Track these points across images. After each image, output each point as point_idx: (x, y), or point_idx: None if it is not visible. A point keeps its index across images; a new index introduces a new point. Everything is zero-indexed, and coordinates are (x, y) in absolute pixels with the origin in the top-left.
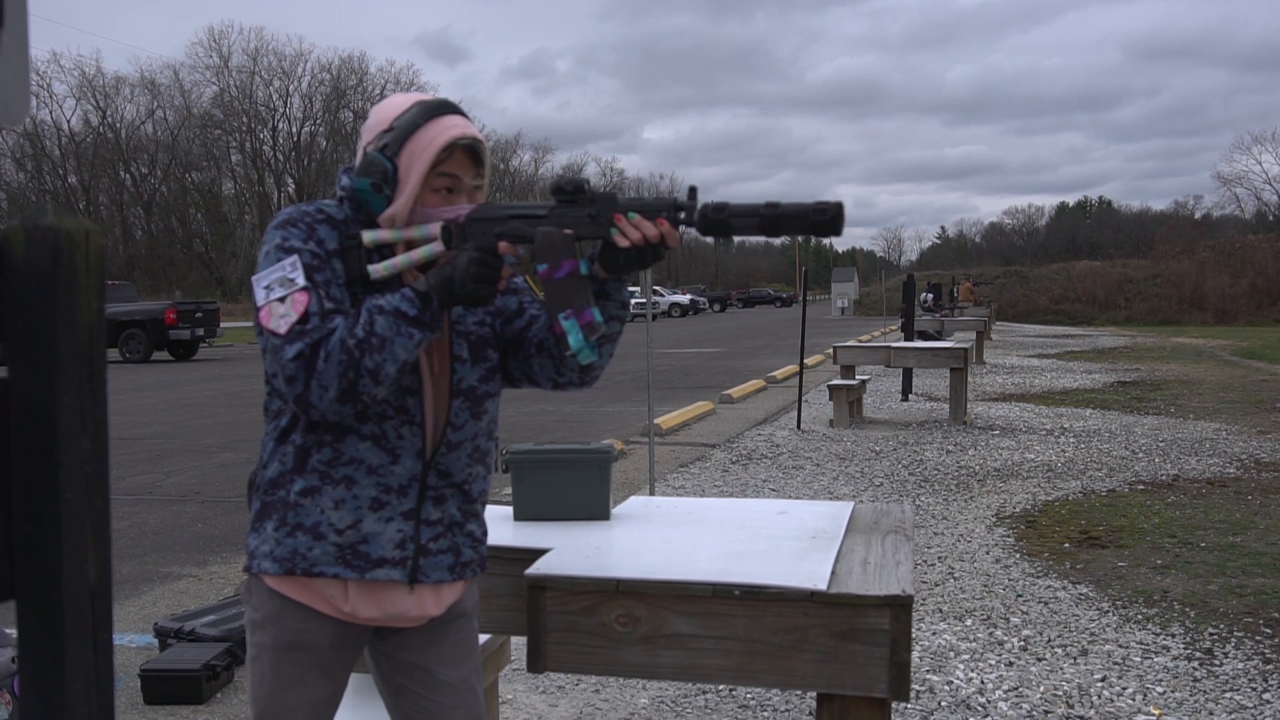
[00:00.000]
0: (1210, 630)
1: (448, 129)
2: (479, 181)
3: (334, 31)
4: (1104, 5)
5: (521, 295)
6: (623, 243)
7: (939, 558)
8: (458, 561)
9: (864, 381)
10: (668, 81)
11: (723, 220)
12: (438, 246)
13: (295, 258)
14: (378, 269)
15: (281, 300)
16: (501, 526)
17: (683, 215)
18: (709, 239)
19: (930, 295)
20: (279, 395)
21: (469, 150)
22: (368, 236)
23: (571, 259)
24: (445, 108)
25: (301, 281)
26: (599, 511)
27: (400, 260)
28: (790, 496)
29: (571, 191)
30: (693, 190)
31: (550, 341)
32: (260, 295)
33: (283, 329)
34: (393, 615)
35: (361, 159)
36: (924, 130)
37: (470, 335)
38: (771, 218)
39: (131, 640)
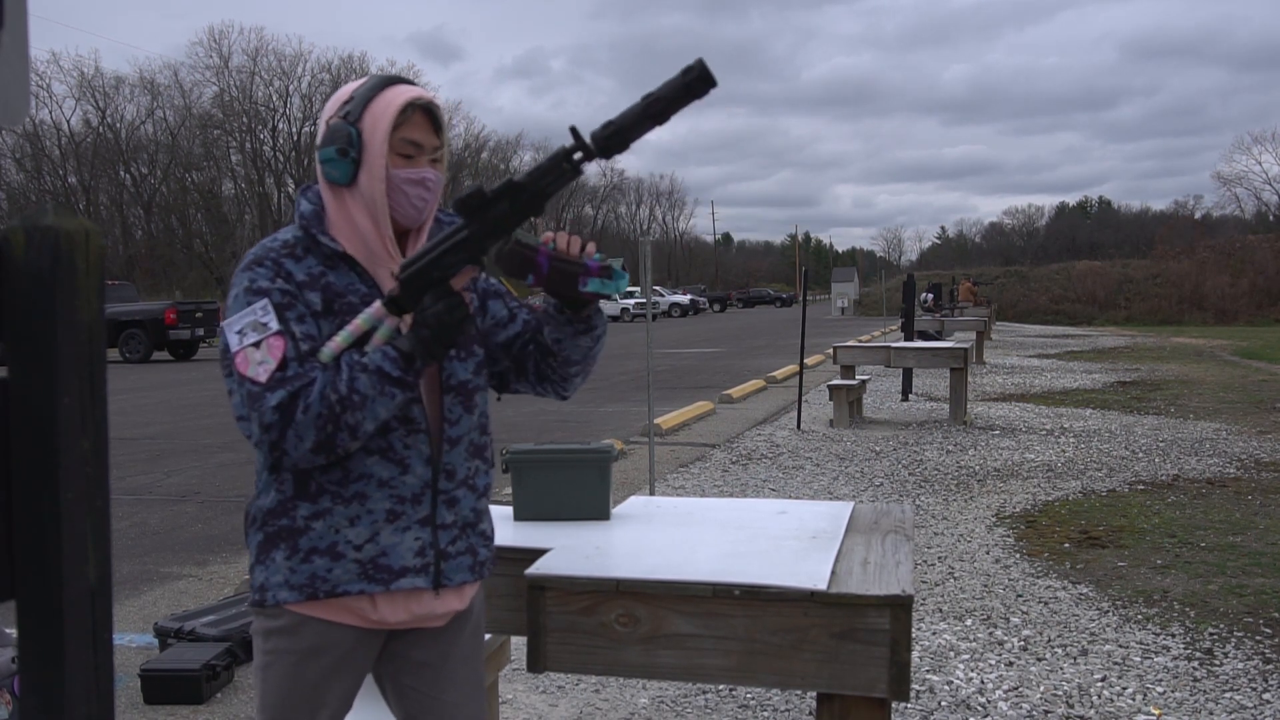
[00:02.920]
0: (1210, 630)
1: (406, 92)
2: (438, 149)
3: (330, 30)
4: (1101, 4)
5: (506, 299)
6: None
7: (939, 558)
8: (476, 561)
9: (864, 381)
10: (663, 80)
11: (616, 134)
12: (391, 322)
13: (265, 300)
14: (322, 354)
15: (256, 345)
16: (501, 526)
17: (580, 155)
18: (710, 239)
19: (930, 295)
20: (250, 439)
21: (427, 113)
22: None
23: (535, 250)
24: (402, 80)
25: (275, 325)
26: (599, 511)
27: (340, 339)
28: (790, 496)
29: (478, 201)
30: (573, 129)
31: (543, 351)
32: (233, 340)
33: (263, 377)
34: (420, 616)
35: (324, 130)
36: (921, 130)
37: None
38: (653, 106)
39: (131, 640)
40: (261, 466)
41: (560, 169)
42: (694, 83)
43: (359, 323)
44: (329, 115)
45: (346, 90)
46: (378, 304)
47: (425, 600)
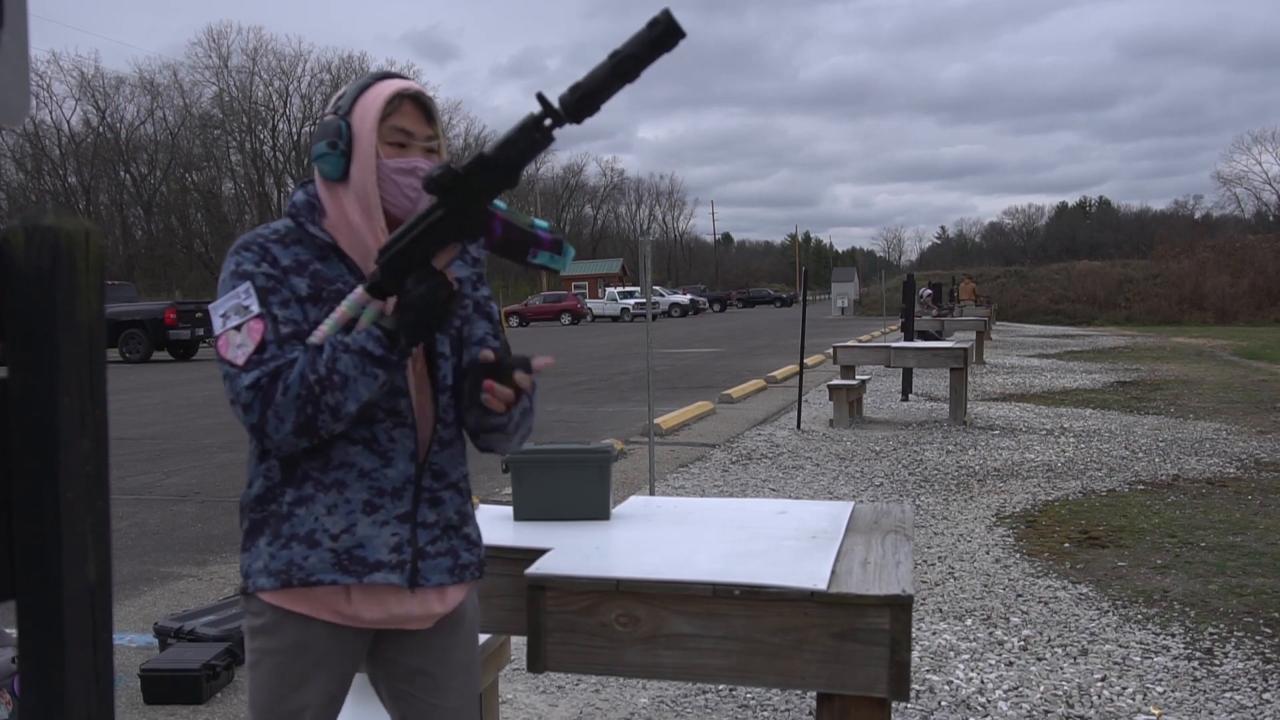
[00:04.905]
0: (1210, 630)
1: (395, 83)
2: (432, 140)
3: (327, 29)
4: (1098, 3)
5: (496, 328)
6: (498, 408)
7: (939, 558)
8: (456, 564)
9: (864, 381)
10: (659, 80)
11: (585, 97)
12: (375, 305)
13: (248, 284)
14: (309, 342)
15: (238, 329)
16: (501, 526)
17: (550, 121)
18: (710, 239)
19: (929, 292)
20: (239, 421)
21: (417, 103)
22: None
23: (492, 216)
24: (394, 75)
25: (256, 309)
26: (599, 511)
27: (326, 326)
28: (790, 496)
29: (450, 180)
30: (540, 96)
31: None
32: (217, 324)
33: (240, 359)
34: (397, 616)
35: (318, 126)
36: (920, 129)
37: (450, 332)
38: (621, 64)
39: (131, 640)
40: (251, 455)
41: (531, 138)
42: (661, 36)
43: (343, 309)
44: (324, 113)
45: (341, 90)
46: (359, 289)
47: (402, 599)
